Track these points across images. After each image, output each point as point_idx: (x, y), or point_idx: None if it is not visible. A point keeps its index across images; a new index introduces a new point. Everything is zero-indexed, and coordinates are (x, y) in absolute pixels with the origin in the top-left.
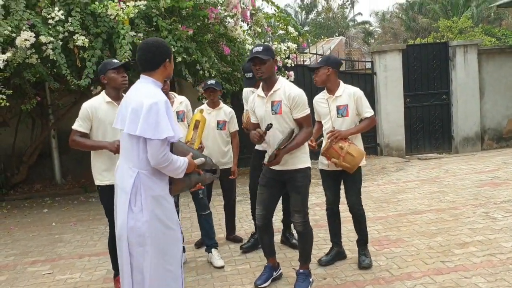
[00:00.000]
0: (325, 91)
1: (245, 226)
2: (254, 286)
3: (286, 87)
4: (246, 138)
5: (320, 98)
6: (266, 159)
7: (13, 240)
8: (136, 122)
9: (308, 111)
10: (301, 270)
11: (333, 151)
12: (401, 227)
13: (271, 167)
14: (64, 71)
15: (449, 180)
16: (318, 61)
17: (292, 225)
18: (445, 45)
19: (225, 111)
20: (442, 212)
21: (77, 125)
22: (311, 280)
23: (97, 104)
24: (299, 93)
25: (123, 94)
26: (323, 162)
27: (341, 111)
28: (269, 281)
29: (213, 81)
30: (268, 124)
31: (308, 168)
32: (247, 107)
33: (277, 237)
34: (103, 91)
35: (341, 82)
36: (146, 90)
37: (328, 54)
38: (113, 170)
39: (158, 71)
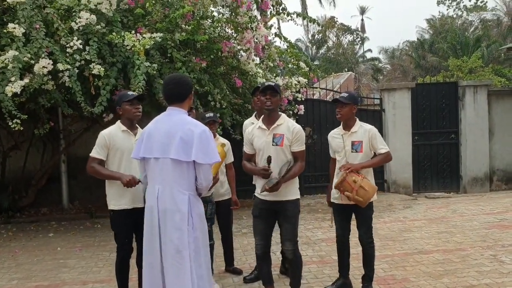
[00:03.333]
0: (340, 127)
1: (250, 259)
2: None
3: (289, 122)
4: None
5: (335, 134)
6: (262, 186)
7: (17, 264)
8: (188, 150)
9: (304, 147)
10: None
11: (347, 185)
12: (407, 266)
13: (262, 199)
14: (79, 98)
15: (457, 220)
16: (341, 96)
17: None
18: (455, 85)
19: (221, 142)
20: (449, 253)
21: (95, 153)
22: None
23: (114, 133)
24: (300, 129)
25: (137, 125)
26: (335, 196)
27: (356, 146)
28: None
29: (211, 114)
30: (268, 157)
31: (298, 199)
32: None
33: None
34: (119, 120)
35: (357, 119)
36: (186, 120)
37: (351, 91)
38: (126, 195)
39: (185, 102)
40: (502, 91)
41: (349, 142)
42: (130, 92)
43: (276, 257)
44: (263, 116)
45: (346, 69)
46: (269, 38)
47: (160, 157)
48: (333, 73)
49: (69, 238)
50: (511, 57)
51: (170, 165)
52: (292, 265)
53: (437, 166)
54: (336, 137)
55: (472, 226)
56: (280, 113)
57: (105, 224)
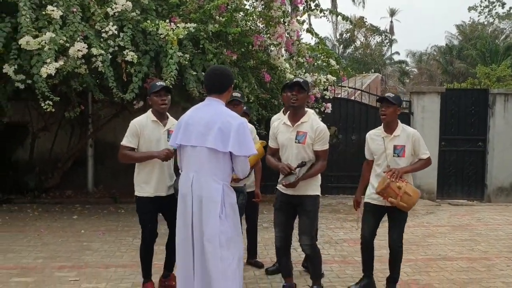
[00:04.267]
0: (380, 128)
1: (271, 253)
2: None
3: (313, 121)
4: (267, 165)
5: (376, 135)
6: (280, 179)
7: (42, 243)
8: (225, 140)
9: (327, 146)
10: (314, 286)
11: (391, 191)
12: (430, 272)
13: (283, 192)
14: (111, 83)
15: (481, 229)
16: (387, 96)
17: None
18: (485, 92)
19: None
20: (474, 261)
21: (126, 141)
22: None
23: (144, 122)
24: (325, 128)
25: (168, 114)
26: (371, 196)
27: (398, 151)
28: None
29: (238, 94)
30: (302, 162)
31: (318, 196)
32: None
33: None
34: (150, 110)
35: (399, 122)
36: (224, 111)
37: (396, 94)
38: (151, 183)
39: (224, 94)
40: None
41: (391, 146)
42: (158, 83)
43: (297, 253)
44: (289, 112)
45: (372, 70)
46: (300, 33)
47: (197, 145)
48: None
49: (92, 222)
50: None
51: (206, 154)
52: (311, 260)
53: (462, 173)
54: (376, 139)
55: (498, 235)
56: (307, 109)
57: (128, 210)
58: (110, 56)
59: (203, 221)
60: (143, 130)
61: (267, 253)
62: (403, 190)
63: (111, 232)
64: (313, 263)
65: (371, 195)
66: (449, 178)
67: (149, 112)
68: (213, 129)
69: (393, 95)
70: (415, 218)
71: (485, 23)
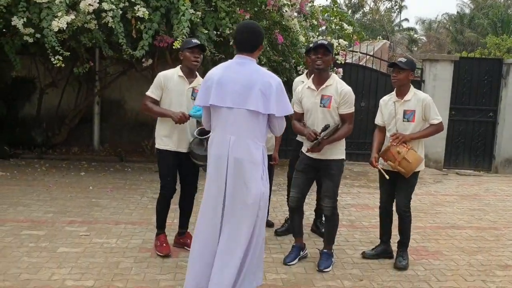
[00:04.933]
0: (393, 93)
1: (279, 216)
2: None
3: (338, 84)
4: (284, 132)
5: (388, 100)
6: (308, 145)
7: (51, 198)
8: (266, 102)
9: (353, 109)
10: (325, 250)
11: (390, 155)
12: (439, 239)
13: (309, 155)
14: (121, 39)
15: (490, 199)
16: (399, 60)
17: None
18: (500, 62)
19: None
20: (483, 230)
21: (150, 92)
22: (333, 260)
23: (170, 75)
24: (350, 91)
25: (197, 74)
26: (382, 162)
27: (408, 116)
28: (297, 259)
29: None
30: (326, 125)
31: (343, 159)
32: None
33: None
34: (179, 65)
35: (412, 87)
36: (261, 70)
37: (410, 57)
38: (172, 137)
39: (255, 52)
40: None
41: (401, 111)
42: (194, 40)
43: (306, 216)
44: (313, 75)
45: (380, 37)
46: None
47: (235, 107)
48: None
49: (100, 179)
50: None
51: (245, 116)
52: (329, 222)
53: (470, 144)
54: (388, 103)
55: (506, 206)
56: (331, 73)
57: (135, 168)
58: (120, 12)
59: (244, 184)
60: (167, 83)
61: (276, 216)
62: (402, 156)
63: (119, 190)
64: (329, 226)
65: (381, 160)
66: (457, 148)
67: (178, 67)
68: (253, 90)
69: (405, 60)
70: (422, 186)
71: None
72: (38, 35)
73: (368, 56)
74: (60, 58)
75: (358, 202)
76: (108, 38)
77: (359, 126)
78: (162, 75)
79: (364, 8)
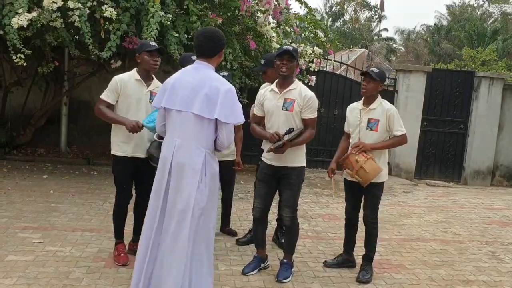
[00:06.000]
0: (361, 101)
1: (244, 225)
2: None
3: (302, 88)
4: (247, 135)
5: (354, 108)
6: (271, 146)
7: (8, 202)
8: (212, 107)
9: (316, 114)
10: (285, 260)
11: (349, 163)
12: (403, 252)
13: (268, 163)
14: (87, 40)
15: (456, 211)
16: (372, 71)
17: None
18: (471, 75)
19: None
20: (447, 243)
21: (105, 96)
22: (293, 270)
23: (126, 79)
24: (313, 96)
25: (153, 76)
26: (345, 172)
27: (372, 124)
28: (256, 270)
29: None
30: (290, 128)
31: (303, 167)
32: None
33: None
34: (135, 68)
35: (379, 97)
36: (212, 76)
37: (382, 69)
38: (130, 143)
39: (214, 58)
40: None
41: (365, 119)
42: (152, 43)
43: (271, 226)
44: (277, 80)
45: (359, 46)
46: (290, 2)
47: (183, 110)
48: (347, 47)
49: (63, 182)
50: None
51: (191, 119)
52: (289, 232)
53: (441, 155)
54: (354, 111)
55: (472, 219)
56: (295, 79)
57: (101, 172)
58: (87, 11)
59: (179, 188)
60: (124, 87)
61: (240, 225)
62: (359, 164)
63: (81, 194)
64: (290, 236)
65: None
66: (428, 158)
67: (134, 70)
68: (199, 94)
69: (378, 70)
70: (391, 197)
71: (475, 5)
72: (0, 32)
73: (344, 65)
74: (22, 56)
75: (326, 212)
76: (76, 38)
77: (332, 134)
78: (118, 79)
79: (345, 17)
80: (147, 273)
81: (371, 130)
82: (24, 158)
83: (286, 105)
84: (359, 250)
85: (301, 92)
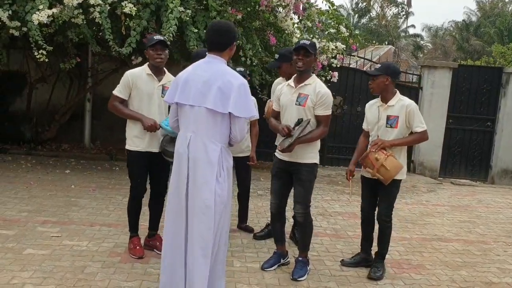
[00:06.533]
0: (379, 98)
1: (261, 222)
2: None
3: (317, 84)
4: (267, 132)
5: (372, 105)
6: (278, 144)
7: (30, 196)
8: (225, 101)
9: (330, 112)
10: (300, 258)
11: (369, 161)
12: (424, 252)
13: (280, 158)
14: (108, 36)
15: (482, 211)
16: (375, 67)
17: None
18: (499, 71)
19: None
20: (470, 244)
21: (117, 91)
22: (308, 268)
23: (138, 74)
24: (328, 93)
25: (165, 70)
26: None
27: (391, 121)
28: (275, 266)
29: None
30: (299, 119)
31: (315, 164)
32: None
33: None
34: (147, 63)
35: (397, 92)
36: (225, 70)
37: (387, 62)
38: (144, 138)
39: (225, 52)
40: None
41: (384, 116)
42: (156, 37)
43: (288, 223)
44: (295, 75)
45: (386, 42)
46: None
47: (196, 105)
48: (373, 44)
49: (84, 177)
50: None
51: (205, 114)
52: (302, 229)
53: (467, 153)
54: (372, 108)
55: (497, 219)
56: (312, 74)
57: (123, 168)
58: (108, 7)
59: (199, 184)
60: (136, 82)
61: (258, 221)
62: (380, 162)
63: (102, 189)
64: (302, 233)
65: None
66: (454, 157)
67: (146, 65)
68: (212, 88)
69: (380, 65)
70: (414, 195)
71: (506, 0)
72: (24, 29)
73: (367, 61)
74: (44, 52)
75: (346, 210)
76: (99, 34)
77: (355, 131)
78: (129, 74)
79: (371, 13)
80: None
81: (391, 127)
82: (48, 154)
83: (300, 100)
84: (375, 249)
85: (315, 88)
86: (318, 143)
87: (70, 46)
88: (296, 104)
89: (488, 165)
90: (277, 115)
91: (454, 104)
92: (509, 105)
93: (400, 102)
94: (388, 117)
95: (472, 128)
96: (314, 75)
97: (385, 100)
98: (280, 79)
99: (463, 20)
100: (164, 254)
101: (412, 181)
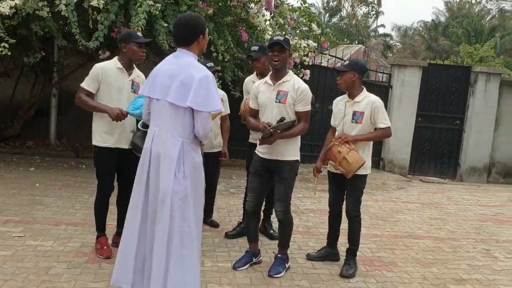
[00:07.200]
0: (346, 94)
1: (234, 220)
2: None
3: (295, 81)
4: (241, 130)
5: (339, 101)
6: (260, 136)
7: None
8: (186, 95)
9: (309, 107)
10: (279, 255)
11: (331, 154)
12: (395, 249)
13: (261, 156)
14: (74, 29)
15: (451, 208)
16: (343, 64)
17: (271, 216)
18: (468, 70)
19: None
20: (441, 241)
21: (85, 84)
22: (287, 265)
23: (108, 68)
24: (307, 88)
25: (134, 66)
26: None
27: (356, 117)
28: (248, 265)
29: (211, 64)
30: (281, 118)
31: (297, 161)
32: (247, 96)
33: None
34: (116, 57)
35: (364, 89)
36: (190, 63)
37: (355, 58)
38: (114, 134)
39: (193, 46)
40: None
41: (350, 111)
42: (140, 34)
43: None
44: (271, 72)
45: (356, 42)
46: None
47: (160, 98)
48: (343, 43)
49: (50, 175)
50: None
51: (168, 108)
52: (282, 226)
53: (436, 151)
54: (339, 103)
55: (467, 216)
56: (289, 70)
57: (90, 165)
58: (75, 0)
59: (157, 179)
60: (105, 76)
61: (230, 220)
62: (342, 155)
63: (68, 188)
64: (283, 231)
65: (331, 163)
66: (423, 155)
67: (115, 59)
68: (175, 81)
69: (347, 62)
70: (384, 192)
71: (473, 1)
72: None
73: (338, 60)
74: (6, 45)
75: (318, 207)
76: (65, 28)
77: (327, 129)
78: (99, 67)
79: (341, 12)
80: (138, 265)
81: (356, 122)
82: (12, 151)
83: (279, 97)
84: (343, 244)
85: (294, 84)
86: (298, 140)
87: (35, 40)
88: (276, 102)
89: (457, 163)
90: (255, 113)
91: (423, 103)
92: (477, 104)
93: (366, 98)
94: (354, 113)
95: (441, 126)
96: (290, 72)
97: (352, 96)
98: (252, 76)
99: (432, 20)
100: (119, 248)
101: (382, 179)
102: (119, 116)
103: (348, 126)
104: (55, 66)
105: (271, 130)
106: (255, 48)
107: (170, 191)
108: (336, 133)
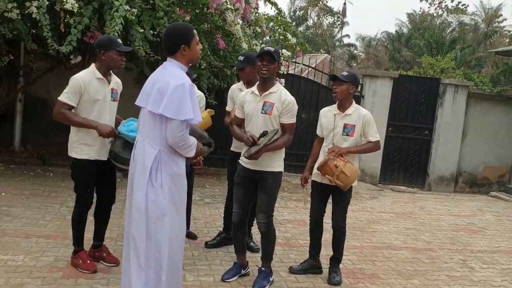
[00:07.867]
0: (334, 106)
1: (211, 231)
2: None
3: (282, 92)
4: (212, 137)
5: (328, 112)
6: (243, 152)
7: None
8: (160, 101)
9: (294, 120)
10: (263, 268)
11: (328, 168)
12: (376, 261)
13: (245, 166)
14: (46, 33)
15: (424, 218)
16: (342, 74)
17: (252, 228)
18: (437, 82)
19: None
20: (419, 252)
21: (66, 98)
22: (271, 279)
23: (88, 79)
24: (293, 101)
25: (111, 72)
26: (316, 174)
27: (348, 130)
28: (236, 277)
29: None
30: (264, 131)
31: (280, 172)
32: (231, 101)
33: None
34: (93, 64)
35: (354, 102)
36: (172, 72)
37: (352, 71)
38: (95, 146)
39: (177, 55)
40: (481, 95)
41: (341, 124)
42: (121, 42)
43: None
44: (258, 82)
45: (322, 51)
46: (259, 1)
47: (144, 107)
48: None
49: (16, 184)
50: (481, 64)
51: (148, 116)
52: (265, 239)
53: (406, 160)
54: (328, 115)
55: (440, 226)
56: (276, 82)
57: (57, 174)
58: (47, 2)
59: (134, 188)
60: (87, 88)
61: (208, 231)
62: (339, 169)
63: (36, 197)
64: (266, 243)
65: (316, 173)
66: (393, 164)
67: (93, 67)
68: (153, 89)
69: (347, 73)
70: (358, 202)
71: (434, 14)
72: None
73: (310, 68)
74: None
75: (295, 218)
76: (33, 31)
77: (299, 138)
78: (80, 80)
79: (308, 22)
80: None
81: (347, 135)
82: None
83: (265, 108)
84: (324, 257)
85: (281, 96)
86: (283, 151)
87: (2, 43)
88: (262, 113)
89: (426, 172)
90: (240, 122)
91: (394, 113)
92: (446, 115)
93: (357, 111)
94: (345, 126)
95: (410, 136)
96: (278, 83)
97: (342, 108)
98: (239, 84)
99: (396, 31)
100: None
101: (354, 188)
102: (110, 134)
103: (339, 139)
104: (21, 70)
105: (258, 148)
106: (241, 58)
107: (144, 200)
108: (325, 145)
